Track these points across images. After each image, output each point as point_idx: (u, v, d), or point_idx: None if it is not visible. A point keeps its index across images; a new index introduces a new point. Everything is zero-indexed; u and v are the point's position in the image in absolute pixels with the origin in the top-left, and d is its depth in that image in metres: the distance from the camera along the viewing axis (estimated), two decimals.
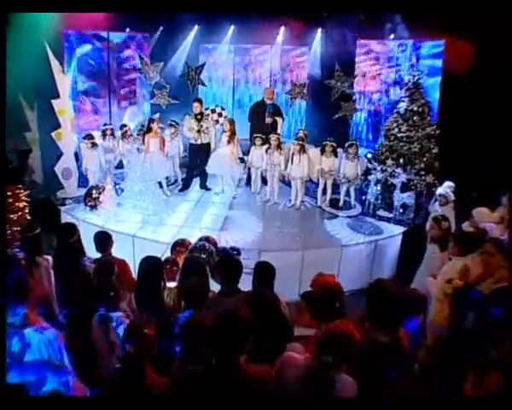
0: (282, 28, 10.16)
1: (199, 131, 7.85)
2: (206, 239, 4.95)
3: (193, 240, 5.73)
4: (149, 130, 7.66)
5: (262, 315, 2.99)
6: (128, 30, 9.99)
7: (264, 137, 7.77)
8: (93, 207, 6.62)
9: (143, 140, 7.70)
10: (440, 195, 6.49)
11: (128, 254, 6.01)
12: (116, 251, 6.16)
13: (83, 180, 7.73)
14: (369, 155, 8.70)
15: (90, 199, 6.65)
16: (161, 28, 10.07)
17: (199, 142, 7.94)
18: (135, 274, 4.42)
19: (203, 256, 4.61)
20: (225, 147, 7.71)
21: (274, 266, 3.77)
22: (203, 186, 8.25)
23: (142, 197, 6.43)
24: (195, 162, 8.12)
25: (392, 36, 9.60)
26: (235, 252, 5.07)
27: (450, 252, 4.54)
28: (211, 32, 10.17)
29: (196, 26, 10.13)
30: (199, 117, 7.93)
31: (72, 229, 4.29)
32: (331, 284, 3.61)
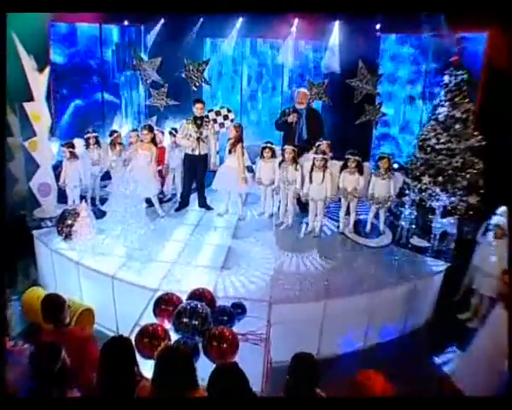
0: (296, 20, 8.89)
1: (198, 138, 6.56)
2: (200, 295, 3.76)
3: (185, 284, 4.62)
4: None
5: None
6: (126, 23, 8.95)
7: (274, 147, 6.51)
8: (67, 237, 5.39)
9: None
10: (496, 225, 5.25)
11: (107, 298, 4.89)
12: (93, 295, 5.09)
13: (62, 196, 6.54)
14: (396, 166, 7.48)
15: (63, 226, 5.40)
16: (162, 20, 8.91)
17: (196, 152, 6.61)
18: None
19: (194, 323, 3.45)
20: (229, 158, 6.53)
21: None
22: (202, 204, 7.01)
23: (126, 225, 5.23)
24: (192, 176, 6.84)
25: (421, 29, 8.31)
26: (238, 310, 3.90)
27: None
28: (217, 24, 8.94)
29: (201, 18, 8.94)
30: (199, 122, 6.58)
31: None
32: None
